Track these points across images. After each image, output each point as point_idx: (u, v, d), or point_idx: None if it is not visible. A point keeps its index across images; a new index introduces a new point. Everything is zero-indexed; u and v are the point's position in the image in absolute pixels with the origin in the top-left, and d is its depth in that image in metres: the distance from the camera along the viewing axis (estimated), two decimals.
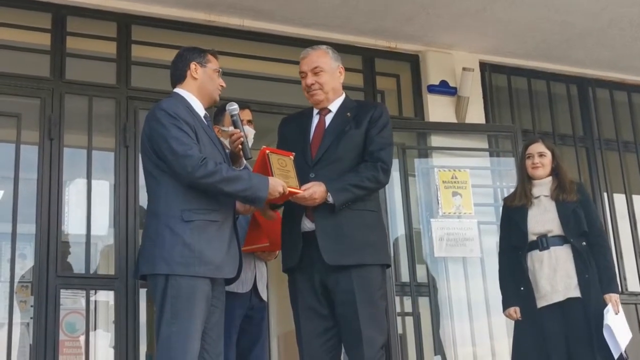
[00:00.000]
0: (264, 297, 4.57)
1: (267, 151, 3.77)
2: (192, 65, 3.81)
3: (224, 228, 3.66)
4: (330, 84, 4.04)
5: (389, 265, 4.08)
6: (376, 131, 3.95)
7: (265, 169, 3.73)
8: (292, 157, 3.84)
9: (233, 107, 3.91)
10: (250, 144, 4.62)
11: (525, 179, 4.98)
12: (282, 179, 3.69)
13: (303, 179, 3.82)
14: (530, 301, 4.74)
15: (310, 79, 4.00)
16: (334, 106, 4.05)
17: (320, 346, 3.85)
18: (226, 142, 4.11)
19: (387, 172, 3.94)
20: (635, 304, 6.88)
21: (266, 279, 4.66)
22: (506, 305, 4.88)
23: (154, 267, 3.54)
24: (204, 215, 3.58)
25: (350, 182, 3.82)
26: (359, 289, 3.77)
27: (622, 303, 6.63)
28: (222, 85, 3.90)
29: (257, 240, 4.29)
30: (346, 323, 3.80)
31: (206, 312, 3.56)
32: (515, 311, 4.79)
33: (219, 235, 3.62)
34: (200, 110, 3.81)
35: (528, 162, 4.97)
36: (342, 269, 3.78)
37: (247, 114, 4.74)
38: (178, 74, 3.85)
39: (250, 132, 4.68)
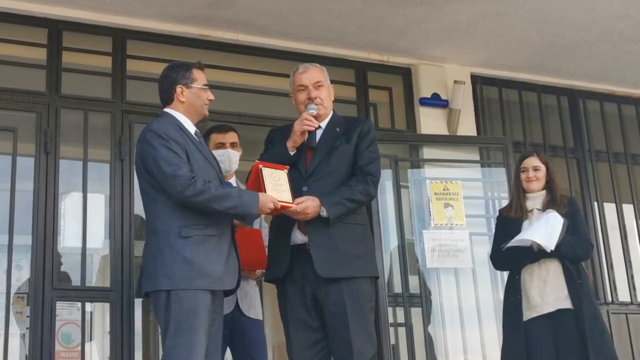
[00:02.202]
0: (250, 315, 4.64)
1: (261, 166, 3.81)
2: (179, 89, 3.83)
3: (222, 241, 3.71)
4: (327, 101, 4.12)
5: (377, 277, 4.12)
6: (365, 146, 4.03)
7: (258, 183, 3.77)
8: (285, 171, 3.88)
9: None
10: (235, 167, 4.70)
11: (520, 192, 5.03)
12: (274, 194, 3.73)
13: (296, 193, 3.86)
14: (518, 313, 4.79)
15: (314, 93, 4.05)
16: (323, 122, 4.11)
17: (311, 357, 3.89)
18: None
19: (376, 185, 4.04)
20: (626, 314, 6.93)
21: (254, 297, 4.71)
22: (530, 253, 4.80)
23: (156, 284, 3.60)
24: (201, 230, 3.64)
25: (344, 196, 3.89)
26: (350, 302, 3.82)
27: (612, 313, 6.77)
28: (210, 99, 3.92)
29: None
30: (337, 335, 3.84)
31: (208, 323, 3.61)
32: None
33: (217, 248, 3.67)
34: (191, 128, 3.85)
35: (523, 176, 4.99)
36: (333, 281, 3.84)
37: (232, 137, 4.80)
38: (166, 96, 3.88)
39: (235, 154, 4.74)
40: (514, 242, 4.73)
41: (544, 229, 4.67)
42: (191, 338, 3.52)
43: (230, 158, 4.70)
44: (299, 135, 3.96)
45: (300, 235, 3.92)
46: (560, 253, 4.70)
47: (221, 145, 4.73)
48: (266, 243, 4.35)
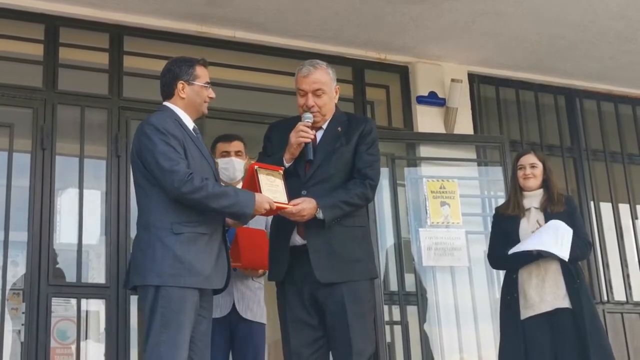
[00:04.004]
0: (247, 317, 4.63)
1: (256, 167, 3.79)
2: (180, 85, 3.81)
3: (213, 240, 3.70)
4: (328, 106, 4.03)
5: (376, 278, 4.13)
6: (365, 148, 3.98)
7: (253, 184, 3.76)
8: (281, 172, 3.87)
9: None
10: (240, 176, 4.71)
11: (517, 190, 5.03)
12: (270, 195, 3.72)
13: (295, 195, 3.84)
14: (516, 311, 4.79)
15: (311, 101, 3.96)
16: (325, 122, 4.05)
17: (308, 356, 3.89)
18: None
19: (374, 189, 4.00)
20: (622, 313, 6.95)
21: (252, 299, 4.69)
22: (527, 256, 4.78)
23: (145, 279, 3.59)
24: (193, 227, 3.63)
25: (341, 199, 3.86)
26: (350, 302, 3.82)
27: (608, 312, 6.79)
28: (210, 97, 3.89)
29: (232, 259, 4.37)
30: (336, 334, 3.84)
31: (194, 321, 3.61)
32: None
33: (208, 247, 3.66)
34: (189, 123, 3.83)
35: (520, 173, 5.01)
36: (332, 283, 3.83)
37: (236, 145, 4.83)
38: (167, 90, 3.86)
39: (239, 163, 4.76)
40: (520, 248, 4.72)
41: (555, 237, 4.66)
42: (176, 335, 3.52)
43: (234, 166, 4.75)
44: (295, 147, 3.92)
45: (298, 238, 3.90)
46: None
47: (226, 154, 4.79)
48: None
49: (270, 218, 4.35)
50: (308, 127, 3.92)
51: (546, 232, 4.71)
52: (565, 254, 4.64)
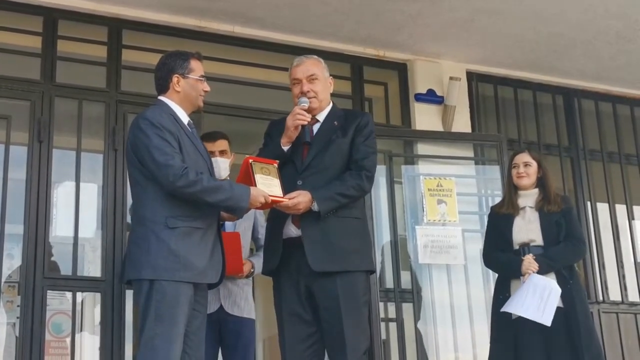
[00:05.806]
0: (234, 313, 4.66)
1: (250, 160, 3.80)
2: (175, 78, 3.81)
3: (208, 234, 3.70)
4: (323, 94, 4.08)
5: (372, 272, 4.13)
6: (362, 139, 4.01)
7: (248, 178, 3.76)
8: (275, 165, 3.88)
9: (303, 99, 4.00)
10: (224, 175, 4.69)
11: (512, 189, 5.03)
12: (265, 188, 3.72)
13: (291, 186, 3.86)
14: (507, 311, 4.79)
15: (306, 86, 4.02)
16: (322, 116, 4.08)
17: (303, 351, 3.89)
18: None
19: (371, 180, 4.01)
20: (617, 313, 6.95)
21: (239, 295, 4.72)
22: (516, 270, 4.79)
23: (140, 273, 3.59)
24: (188, 222, 3.63)
25: (336, 191, 3.87)
26: (344, 295, 3.82)
27: (603, 312, 6.78)
28: (206, 91, 3.90)
29: None
30: (330, 328, 3.84)
31: (188, 315, 3.61)
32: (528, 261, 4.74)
33: (203, 241, 3.66)
34: (184, 118, 3.84)
35: (514, 172, 5.01)
36: (327, 274, 3.83)
37: (221, 144, 4.81)
38: (161, 84, 3.86)
39: (224, 162, 4.73)
40: (508, 308, 4.70)
41: (540, 300, 4.61)
42: (171, 329, 3.52)
43: (219, 166, 4.70)
44: (292, 130, 3.94)
45: (294, 229, 3.91)
46: (558, 269, 4.74)
47: (210, 154, 4.74)
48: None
49: (259, 213, 4.35)
50: (305, 110, 3.95)
51: (532, 295, 4.64)
52: (546, 320, 4.56)
